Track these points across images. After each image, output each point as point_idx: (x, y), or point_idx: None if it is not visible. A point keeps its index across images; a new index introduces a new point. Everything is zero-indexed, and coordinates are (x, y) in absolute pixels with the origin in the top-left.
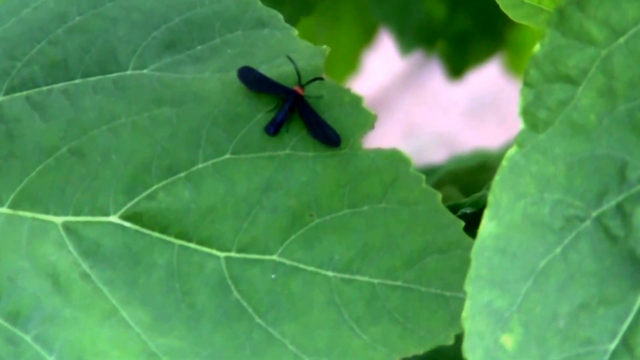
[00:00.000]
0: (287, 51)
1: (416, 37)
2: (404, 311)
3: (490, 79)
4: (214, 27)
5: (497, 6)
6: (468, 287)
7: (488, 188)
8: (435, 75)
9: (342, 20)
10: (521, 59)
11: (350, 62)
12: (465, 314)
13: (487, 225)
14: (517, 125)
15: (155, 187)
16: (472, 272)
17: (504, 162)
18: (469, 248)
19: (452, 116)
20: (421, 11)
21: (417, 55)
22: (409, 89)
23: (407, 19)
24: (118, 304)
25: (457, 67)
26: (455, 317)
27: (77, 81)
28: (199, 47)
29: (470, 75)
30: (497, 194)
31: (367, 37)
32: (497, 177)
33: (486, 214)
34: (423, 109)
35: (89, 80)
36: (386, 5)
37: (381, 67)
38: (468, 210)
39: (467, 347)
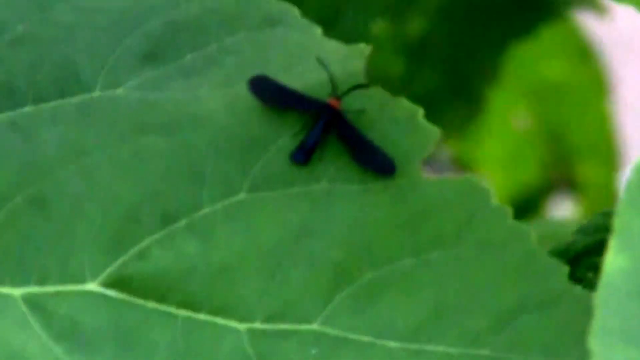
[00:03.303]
0: (310, 55)
1: None
2: None
3: None
4: (208, 30)
5: (471, 55)
6: (594, 344)
7: (604, 214)
8: None
9: None
10: None
11: None
12: None
13: (614, 260)
14: None
15: (147, 241)
16: (597, 324)
17: (632, 176)
18: (577, 301)
19: None
20: (375, 68)
21: None
22: None
23: None
24: None
25: None
26: None
27: (27, 109)
28: (189, 56)
29: None
30: (626, 217)
31: None
32: (624, 196)
33: (612, 245)
34: None
35: (44, 106)
36: None
37: None
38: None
39: None
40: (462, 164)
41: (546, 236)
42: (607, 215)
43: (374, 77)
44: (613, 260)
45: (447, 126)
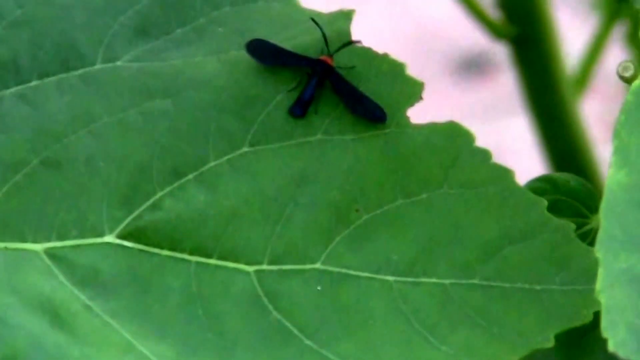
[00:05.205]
0: (292, 22)
1: None
2: (486, 314)
3: None
4: (194, 6)
5: None
6: (599, 252)
7: (541, 179)
8: None
9: None
10: None
11: None
12: (599, 285)
13: (615, 175)
14: None
15: (159, 194)
16: (602, 234)
17: (629, 98)
18: (557, 230)
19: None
20: None
21: None
22: None
23: None
24: (133, 338)
25: None
26: (551, 313)
27: (33, 83)
28: (179, 31)
29: None
30: (624, 136)
31: None
32: (621, 117)
33: (613, 161)
34: None
35: (48, 80)
36: None
37: None
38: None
39: (606, 325)
40: None
41: None
42: (544, 180)
43: None
44: (614, 175)
45: None
